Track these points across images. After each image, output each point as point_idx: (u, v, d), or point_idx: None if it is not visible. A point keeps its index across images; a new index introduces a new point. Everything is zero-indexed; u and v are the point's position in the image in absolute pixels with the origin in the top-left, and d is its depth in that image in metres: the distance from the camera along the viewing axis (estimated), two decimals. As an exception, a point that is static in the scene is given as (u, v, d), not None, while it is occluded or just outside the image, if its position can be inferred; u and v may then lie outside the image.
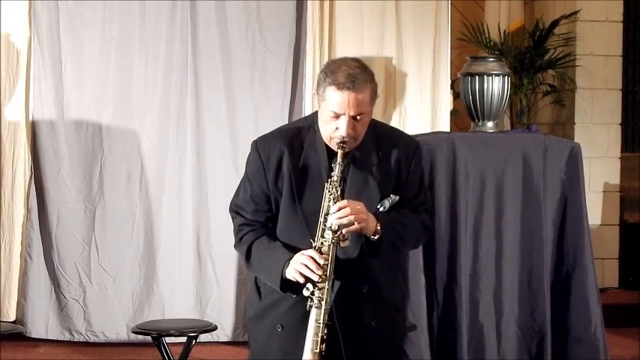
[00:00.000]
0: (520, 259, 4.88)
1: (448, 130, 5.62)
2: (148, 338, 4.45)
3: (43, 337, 5.33)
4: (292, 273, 2.70)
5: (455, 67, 5.99)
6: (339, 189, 2.72)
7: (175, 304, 5.43)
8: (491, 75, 5.03)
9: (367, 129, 2.82)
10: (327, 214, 2.70)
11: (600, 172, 6.92)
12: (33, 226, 5.35)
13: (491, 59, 5.26)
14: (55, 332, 5.34)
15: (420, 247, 4.68)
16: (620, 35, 7.01)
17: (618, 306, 6.20)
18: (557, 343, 4.86)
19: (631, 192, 7.24)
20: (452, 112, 5.96)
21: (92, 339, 5.34)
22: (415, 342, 4.65)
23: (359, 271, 2.81)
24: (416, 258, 4.68)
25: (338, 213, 2.66)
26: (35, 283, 5.33)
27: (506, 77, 5.10)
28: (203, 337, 4.96)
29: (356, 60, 2.80)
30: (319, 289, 2.64)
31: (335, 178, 2.72)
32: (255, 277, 2.99)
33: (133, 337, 5.02)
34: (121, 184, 5.40)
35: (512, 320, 4.86)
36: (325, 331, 2.64)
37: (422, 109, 5.67)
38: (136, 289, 5.40)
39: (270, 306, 2.87)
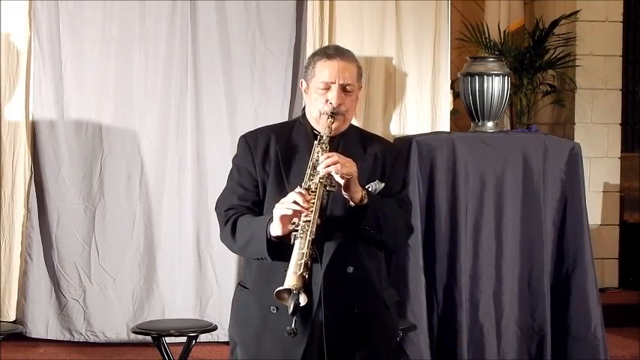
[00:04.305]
0: (520, 259, 4.89)
1: (448, 130, 5.62)
2: (148, 338, 4.45)
3: (43, 337, 5.32)
4: (279, 212, 2.66)
5: (455, 67, 5.99)
6: (328, 146, 2.77)
7: (175, 304, 5.42)
8: (491, 75, 5.04)
9: (351, 128, 2.93)
10: (315, 162, 2.72)
11: (600, 172, 6.92)
12: (33, 226, 5.35)
13: (491, 59, 5.27)
14: (55, 332, 5.34)
15: (420, 247, 4.69)
16: (620, 35, 7.01)
17: (618, 306, 6.20)
18: (557, 343, 4.87)
19: (631, 192, 7.24)
20: (452, 112, 5.95)
21: (92, 339, 5.33)
22: (415, 342, 4.66)
23: (345, 251, 2.82)
24: (416, 258, 4.68)
25: (327, 160, 2.68)
26: (35, 283, 5.33)
27: (506, 77, 5.11)
28: (203, 337, 4.96)
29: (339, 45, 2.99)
30: (305, 222, 2.61)
31: (325, 138, 2.78)
32: (239, 282, 3.01)
33: (133, 337, 5.02)
34: (121, 184, 5.40)
35: (512, 320, 4.86)
36: (309, 259, 2.57)
37: (422, 109, 5.67)
38: (136, 289, 5.39)
39: (261, 290, 2.86)
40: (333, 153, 2.73)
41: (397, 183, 2.96)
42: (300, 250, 2.58)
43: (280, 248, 2.70)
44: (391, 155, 2.96)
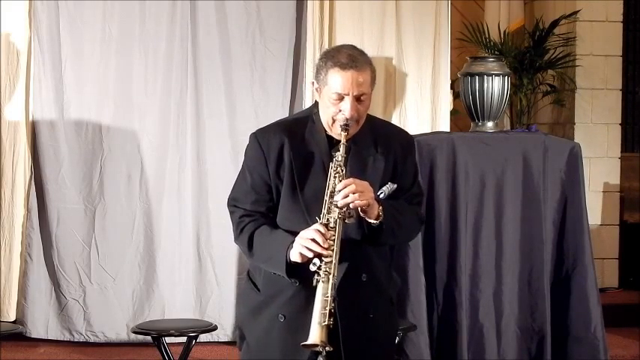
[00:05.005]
0: (520, 259, 4.88)
1: (448, 130, 5.62)
2: (148, 338, 4.45)
3: (43, 337, 5.32)
4: (298, 249, 2.67)
5: (455, 67, 5.99)
6: (344, 169, 2.73)
7: (175, 304, 5.43)
8: (491, 75, 5.03)
9: (363, 125, 2.86)
10: (332, 191, 2.69)
11: (600, 172, 6.91)
12: (33, 226, 5.35)
13: (491, 59, 5.26)
14: (55, 332, 5.34)
15: (420, 247, 4.69)
16: (620, 35, 7.01)
17: (618, 306, 6.20)
18: (557, 343, 4.87)
19: (631, 192, 7.23)
20: (452, 112, 5.96)
21: (92, 339, 5.34)
22: (415, 342, 4.66)
23: (358, 259, 2.82)
24: (416, 258, 4.68)
25: (344, 190, 2.66)
26: (35, 283, 5.33)
27: (506, 77, 5.10)
28: (203, 337, 4.96)
29: (353, 46, 2.87)
30: (326, 263, 2.61)
31: (340, 158, 2.73)
32: (248, 272, 2.99)
33: (133, 337, 5.02)
34: (121, 184, 5.40)
35: (512, 320, 4.86)
36: (333, 305, 2.59)
37: (422, 109, 5.67)
38: (136, 289, 5.40)
39: (270, 297, 2.85)
40: (350, 180, 2.69)
41: (409, 177, 2.94)
42: (323, 296, 2.59)
43: (299, 267, 2.71)
44: (402, 149, 2.93)
